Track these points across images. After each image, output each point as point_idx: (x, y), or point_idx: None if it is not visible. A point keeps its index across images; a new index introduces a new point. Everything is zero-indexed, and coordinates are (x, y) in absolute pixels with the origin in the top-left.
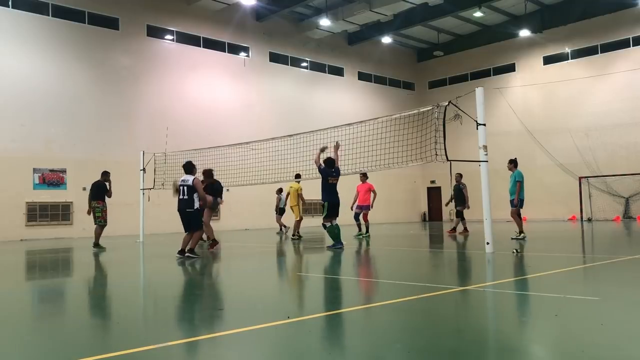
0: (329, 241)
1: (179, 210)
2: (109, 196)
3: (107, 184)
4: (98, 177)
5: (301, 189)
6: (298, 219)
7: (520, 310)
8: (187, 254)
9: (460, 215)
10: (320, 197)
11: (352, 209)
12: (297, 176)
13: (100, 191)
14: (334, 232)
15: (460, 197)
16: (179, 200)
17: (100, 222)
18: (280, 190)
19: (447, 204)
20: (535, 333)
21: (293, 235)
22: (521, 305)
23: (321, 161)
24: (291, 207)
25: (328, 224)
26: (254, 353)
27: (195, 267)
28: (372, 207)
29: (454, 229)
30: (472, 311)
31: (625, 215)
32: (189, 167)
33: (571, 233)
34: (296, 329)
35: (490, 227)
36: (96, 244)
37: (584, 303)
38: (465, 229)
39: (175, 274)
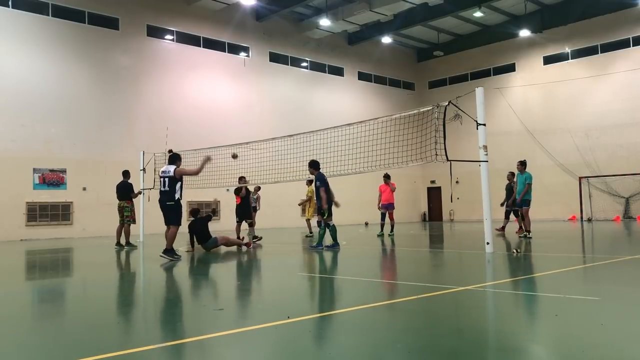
0: (329, 241)
1: (159, 202)
2: (134, 196)
3: (132, 183)
4: (98, 177)
5: None
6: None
7: (520, 310)
8: (161, 254)
9: (515, 214)
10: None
11: (379, 209)
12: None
13: (126, 191)
14: (334, 232)
15: (511, 196)
16: (160, 192)
17: (129, 220)
18: (258, 188)
19: (502, 204)
20: (535, 333)
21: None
22: (521, 305)
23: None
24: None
25: (332, 223)
26: (254, 353)
27: (194, 267)
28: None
29: (522, 228)
30: (472, 311)
31: (626, 215)
32: (173, 158)
33: (571, 233)
34: (296, 329)
35: (491, 227)
36: (127, 243)
37: (584, 303)
38: (522, 228)
39: (175, 274)
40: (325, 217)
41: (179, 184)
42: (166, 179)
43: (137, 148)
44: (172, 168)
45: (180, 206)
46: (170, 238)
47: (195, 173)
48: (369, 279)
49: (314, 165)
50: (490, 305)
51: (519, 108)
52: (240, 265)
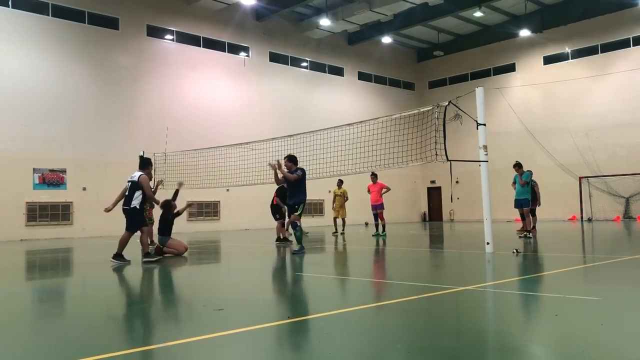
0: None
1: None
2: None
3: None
4: (98, 177)
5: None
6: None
7: (520, 310)
8: (115, 257)
9: (532, 213)
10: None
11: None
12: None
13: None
14: (299, 235)
15: (532, 195)
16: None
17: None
18: None
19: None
20: (536, 333)
21: (342, 232)
22: (521, 305)
23: (284, 171)
24: (339, 208)
25: (299, 223)
26: (254, 353)
27: (194, 267)
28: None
29: (534, 227)
30: (472, 311)
31: (626, 215)
32: (145, 163)
33: (571, 233)
34: (296, 329)
35: (490, 227)
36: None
37: (584, 303)
38: (533, 227)
39: (175, 274)
40: (298, 214)
41: (138, 192)
42: (129, 184)
43: (137, 148)
44: (138, 174)
45: (137, 213)
46: (122, 243)
47: (148, 196)
48: (369, 279)
49: (294, 160)
50: (490, 305)
51: (519, 108)
52: (240, 266)
